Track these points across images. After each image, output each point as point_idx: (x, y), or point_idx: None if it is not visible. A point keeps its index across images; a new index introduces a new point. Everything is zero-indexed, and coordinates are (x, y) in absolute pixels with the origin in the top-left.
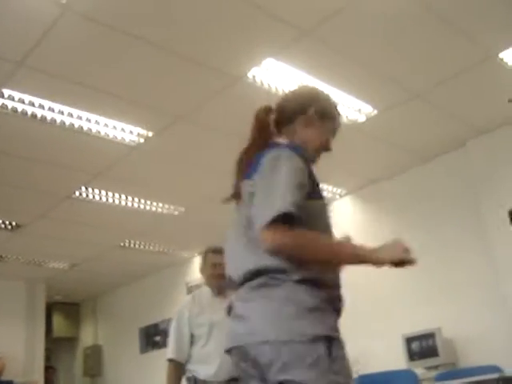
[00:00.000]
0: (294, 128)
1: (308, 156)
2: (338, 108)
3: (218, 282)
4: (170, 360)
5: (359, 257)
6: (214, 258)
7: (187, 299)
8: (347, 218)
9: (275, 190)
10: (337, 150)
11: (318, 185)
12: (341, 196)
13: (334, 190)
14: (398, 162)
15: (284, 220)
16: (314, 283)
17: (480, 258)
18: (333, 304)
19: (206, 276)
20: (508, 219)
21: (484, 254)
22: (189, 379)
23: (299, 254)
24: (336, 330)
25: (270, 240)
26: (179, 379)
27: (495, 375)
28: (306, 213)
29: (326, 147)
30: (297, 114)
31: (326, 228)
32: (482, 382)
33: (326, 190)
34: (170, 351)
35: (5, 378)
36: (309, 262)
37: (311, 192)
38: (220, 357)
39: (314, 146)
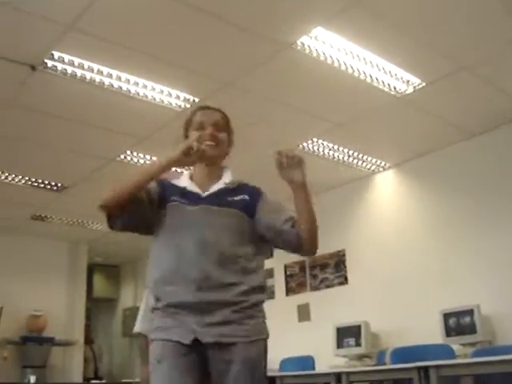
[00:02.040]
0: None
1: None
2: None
3: None
4: None
5: (150, 168)
6: None
7: None
8: (389, 191)
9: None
10: (382, 122)
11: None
12: (384, 169)
13: (378, 162)
14: (444, 136)
15: None
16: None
17: None
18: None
19: None
20: None
21: None
22: None
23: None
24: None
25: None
26: None
27: None
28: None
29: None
30: None
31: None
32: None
33: (370, 162)
34: None
35: (46, 334)
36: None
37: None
38: None
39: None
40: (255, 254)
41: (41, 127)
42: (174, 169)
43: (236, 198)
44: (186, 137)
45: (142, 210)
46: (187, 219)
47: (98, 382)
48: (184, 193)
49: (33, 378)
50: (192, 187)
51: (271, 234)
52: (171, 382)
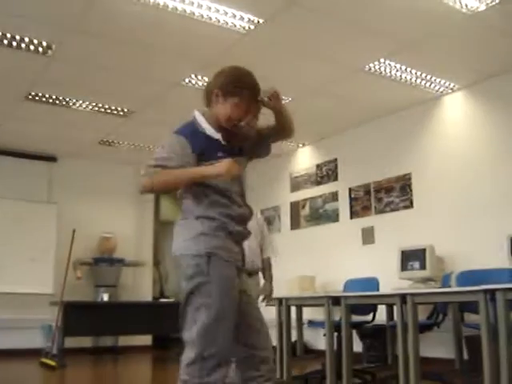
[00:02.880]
0: (211, 105)
1: (201, 129)
2: (245, 80)
3: None
4: None
5: (192, 177)
6: None
7: None
8: (458, 114)
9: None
10: (452, 42)
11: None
12: (453, 91)
13: (447, 84)
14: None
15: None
16: (205, 218)
17: None
18: (223, 231)
19: None
20: None
21: None
22: None
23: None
24: (219, 249)
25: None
26: None
27: None
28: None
29: (233, 120)
30: (209, 95)
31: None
32: None
33: (438, 83)
34: None
35: (117, 255)
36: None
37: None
38: None
39: (223, 119)
40: None
41: (107, 53)
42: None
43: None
44: (224, 96)
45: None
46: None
47: (166, 300)
48: (221, 145)
49: (106, 296)
50: (222, 140)
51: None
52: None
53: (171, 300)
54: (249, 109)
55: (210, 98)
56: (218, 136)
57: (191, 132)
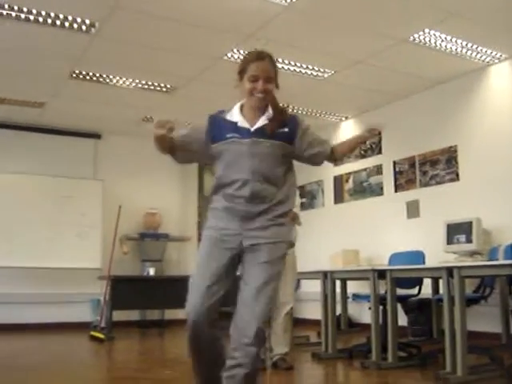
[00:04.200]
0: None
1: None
2: (249, 56)
3: None
4: None
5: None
6: None
7: None
8: (505, 84)
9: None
10: (499, 10)
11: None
12: (500, 60)
13: (493, 53)
14: None
15: None
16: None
17: None
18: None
19: None
20: None
21: None
22: None
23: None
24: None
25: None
26: None
27: None
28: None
29: (254, 92)
30: (238, 89)
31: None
32: None
33: (484, 53)
34: None
35: (162, 231)
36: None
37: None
38: None
39: (247, 96)
40: (285, 173)
41: (148, 30)
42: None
43: (278, 131)
44: (241, 78)
45: (191, 152)
46: (241, 151)
47: None
48: (237, 128)
49: (152, 270)
50: (243, 123)
51: (304, 160)
52: None
53: None
54: (260, 74)
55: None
56: (237, 119)
57: (215, 116)
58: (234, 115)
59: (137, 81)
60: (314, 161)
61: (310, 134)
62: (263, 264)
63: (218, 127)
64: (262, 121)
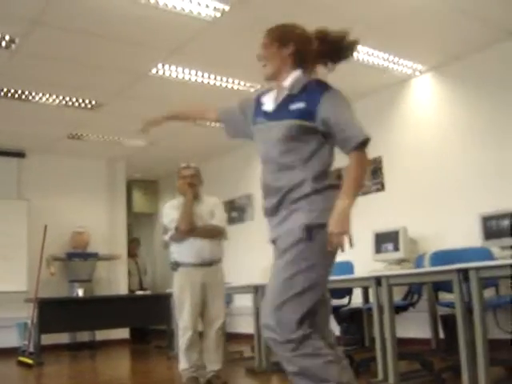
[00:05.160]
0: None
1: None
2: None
3: (190, 190)
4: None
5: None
6: (184, 172)
7: (173, 203)
8: (426, 96)
9: (354, 120)
10: (419, 23)
11: None
12: (421, 72)
13: (414, 66)
14: (483, 36)
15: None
16: None
17: None
18: None
19: (181, 188)
20: None
21: None
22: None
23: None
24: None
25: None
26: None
27: None
28: None
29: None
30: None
31: None
32: None
33: (406, 66)
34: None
35: (90, 249)
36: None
37: None
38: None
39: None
40: (310, 155)
41: (72, 45)
42: None
43: (293, 107)
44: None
45: (236, 126)
46: (258, 137)
47: (143, 292)
48: (263, 111)
49: (80, 291)
50: (267, 106)
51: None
52: None
53: (148, 292)
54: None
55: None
56: (267, 98)
57: (259, 94)
58: (269, 95)
59: (60, 97)
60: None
61: (339, 110)
62: (278, 257)
63: (255, 108)
64: (281, 95)
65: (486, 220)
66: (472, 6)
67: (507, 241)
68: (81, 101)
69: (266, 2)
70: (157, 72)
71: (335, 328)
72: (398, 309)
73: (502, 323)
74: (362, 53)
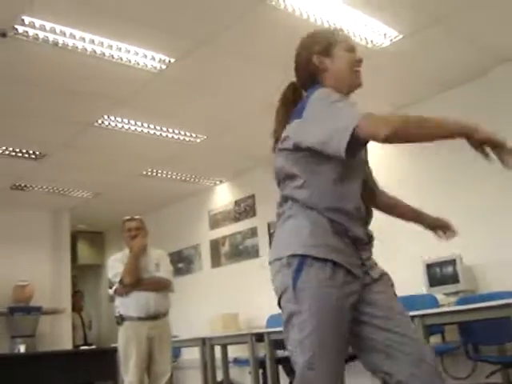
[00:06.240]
0: (317, 81)
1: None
2: (342, 32)
3: (135, 242)
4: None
5: (463, 127)
6: (128, 224)
7: (117, 256)
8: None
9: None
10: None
11: None
12: None
13: None
14: (420, 89)
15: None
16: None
17: (504, 185)
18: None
19: (126, 240)
20: None
21: (508, 181)
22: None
23: (414, 132)
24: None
25: (384, 126)
26: None
27: None
28: None
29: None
30: (310, 72)
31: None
32: (502, 306)
33: None
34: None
35: (34, 303)
36: (420, 139)
37: None
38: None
39: (344, 83)
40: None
41: (16, 95)
42: None
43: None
44: (326, 54)
45: None
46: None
47: (88, 347)
48: None
49: (22, 348)
50: None
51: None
52: None
53: (93, 347)
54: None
55: (312, 75)
56: None
57: None
58: None
59: (3, 147)
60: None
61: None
62: (389, 292)
63: None
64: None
65: (430, 267)
66: (411, 59)
67: (451, 287)
68: (24, 151)
69: (212, 55)
70: (102, 123)
71: (285, 379)
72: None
73: (450, 369)
74: None
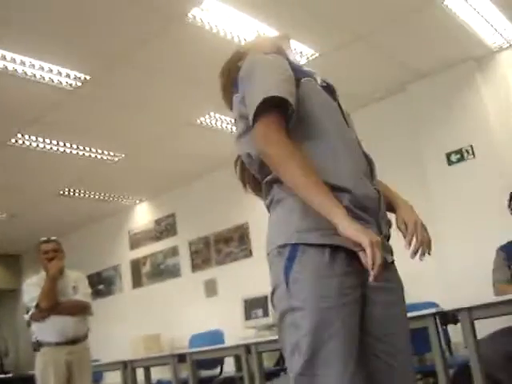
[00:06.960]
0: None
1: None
2: None
3: (51, 265)
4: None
5: (325, 210)
6: (45, 246)
7: (33, 279)
8: None
9: (259, 84)
10: None
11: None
12: None
13: None
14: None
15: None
16: None
17: (418, 196)
18: None
19: (42, 263)
20: (445, 161)
21: (422, 194)
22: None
23: (282, 171)
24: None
25: (260, 135)
26: None
27: (432, 310)
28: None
29: None
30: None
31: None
32: (420, 317)
33: None
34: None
35: None
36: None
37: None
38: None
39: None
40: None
41: None
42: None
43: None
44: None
45: None
46: None
47: (4, 376)
48: None
49: None
50: None
51: None
52: None
53: (10, 375)
54: None
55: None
56: None
57: None
58: None
59: None
60: None
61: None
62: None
63: None
64: None
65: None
66: (329, 76)
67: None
68: None
69: (128, 72)
70: (16, 141)
71: None
72: (270, 375)
73: None
74: (224, 122)
